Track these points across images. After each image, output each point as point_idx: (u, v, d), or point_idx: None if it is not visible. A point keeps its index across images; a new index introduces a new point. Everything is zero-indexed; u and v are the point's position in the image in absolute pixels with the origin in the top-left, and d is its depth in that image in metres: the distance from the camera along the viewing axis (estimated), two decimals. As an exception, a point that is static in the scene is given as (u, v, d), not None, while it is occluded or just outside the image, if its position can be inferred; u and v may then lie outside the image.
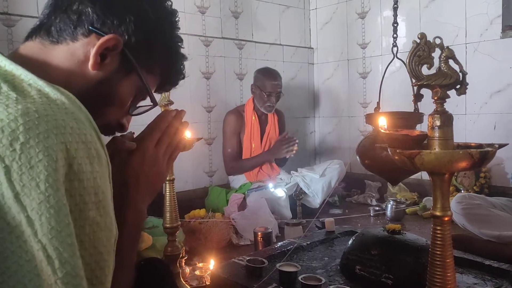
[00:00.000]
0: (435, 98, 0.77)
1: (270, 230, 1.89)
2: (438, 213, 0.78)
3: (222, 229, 2.09)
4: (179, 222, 1.38)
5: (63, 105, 0.53)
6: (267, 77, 2.70)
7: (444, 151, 0.73)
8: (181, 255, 1.66)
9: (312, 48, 3.58)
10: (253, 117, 2.77)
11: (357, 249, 1.42)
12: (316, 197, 2.72)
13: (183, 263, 1.65)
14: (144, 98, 0.73)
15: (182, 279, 1.44)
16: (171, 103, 1.34)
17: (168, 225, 1.36)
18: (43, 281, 0.45)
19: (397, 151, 0.75)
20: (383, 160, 1.32)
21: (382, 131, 0.81)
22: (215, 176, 2.91)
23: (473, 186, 2.53)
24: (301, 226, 2.02)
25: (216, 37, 2.89)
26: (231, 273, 1.43)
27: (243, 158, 2.77)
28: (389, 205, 2.50)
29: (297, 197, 2.35)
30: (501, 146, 0.76)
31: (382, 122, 0.84)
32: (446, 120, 0.77)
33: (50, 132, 0.48)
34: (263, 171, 2.81)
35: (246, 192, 2.50)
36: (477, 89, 2.58)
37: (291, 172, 2.81)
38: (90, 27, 0.61)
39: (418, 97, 0.78)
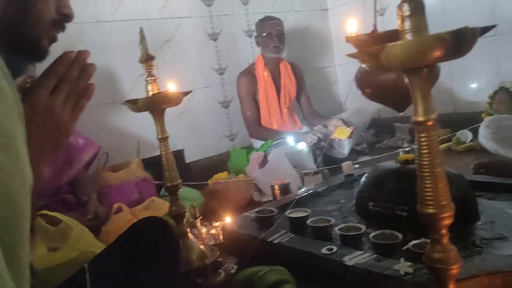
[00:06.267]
0: (401, -17, 0.66)
1: (287, 182, 1.82)
2: (420, 118, 0.67)
3: (241, 188, 2.04)
4: (180, 180, 1.33)
5: None
6: (264, 21, 2.66)
7: (411, 40, 0.62)
8: (195, 216, 1.64)
9: (324, -7, 3.38)
10: (265, 73, 2.67)
11: (370, 185, 1.33)
12: (343, 147, 2.62)
13: (198, 224, 1.63)
14: None
15: (193, 238, 1.41)
16: (152, 57, 1.27)
17: (169, 184, 1.32)
18: None
19: (360, 51, 0.65)
20: (383, 84, 1.20)
21: (349, 36, 0.71)
22: (236, 139, 2.86)
23: (510, 112, 2.32)
24: (320, 174, 1.94)
25: (218, -5, 2.77)
26: (241, 226, 1.39)
27: (261, 115, 2.70)
28: (419, 144, 2.35)
29: (315, 146, 2.25)
30: (485, 29, 0.64)
31: (351, 27, 0.73)
32: (416, 7, 0.65)
33: None
34: (285, 126, 2.73)
35: (267, 150, 2.44)
36: None
37: (314, 126, 2.71)
38: None
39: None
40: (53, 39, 0.67)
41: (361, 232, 1.12)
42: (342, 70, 3.44)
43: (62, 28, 0.68)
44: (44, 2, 0.62)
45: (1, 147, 0.46)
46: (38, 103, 0.62)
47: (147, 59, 1.27)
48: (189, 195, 1.98)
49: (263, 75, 2.67)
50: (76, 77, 0.66)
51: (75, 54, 0.67)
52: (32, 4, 0.60)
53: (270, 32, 2.61)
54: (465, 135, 2.46)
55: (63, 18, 0.67)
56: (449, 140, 2.52)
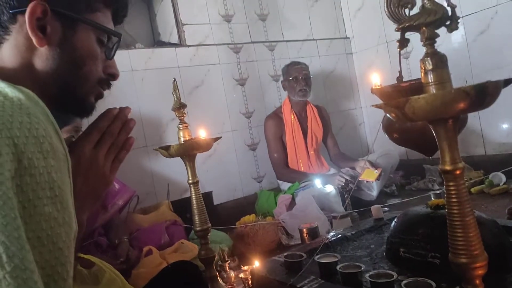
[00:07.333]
0: (423, 39, 0.69)
1: (315, 225, 1.81)
2: (447, 167, 0.68)
3: (269, 231, 2.04)
4: (209, 224, 1.36)
5: (18, 102, 0.52)
6: (290, 66, 2.74)
7: (434, 93, 0.64)
8: (223, 259, 1.64)
9: (348, 38, 3.46)
10: (292, 116, 2.72)
11: (400, 231, 1.31)
12: (372, 189, 2.60)
13: (227, 267, 1.63)
14: (110, 37, 0.70)
15: (222, 282, 1.41)
16: (184, 106, 1.34)
17: (198, 228, 1.34)
18: None
19: (385, 104, 0.67)
20: (410, 130, 1.22)
21: (374, 87, 0.74)
22: (264, 181, 2.88)
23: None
24: (349, 218, 1.92)
25: (246, 43, 2.89)
26: (269, 270, 1.38)
27: (289, 158, 2.73)
28: (450, 186, 2.30)
29: (343, 189, 2.24)
30: (509, 81, 0.65)
31: (375, 79, 0.76)
32: (439, 61, 0.67)
33: None
34: (312, 168, 2.74)
35: (294, 192, 2.44)
36: None
37: (341, 168, 2.71)
38: (11, 11, 0.59)
39: (403, 43, 0.70)
40: (99, 96, 0.73)
41: (392, 279, 1.09)
42: (368, 112, 3.46)
43: (108, 86, 0.73)
44: (93, 63, 0.67)
45: (51, 199, 0.50)
46: (83, 156, 0.67)
47: (180, 107, 1.33)
48: (217, 237, 1.99)
49: (290, 118, 2.72)
50: (117, 131, 0.72)
51: (117, 110, 0.72)
52: (82, 65, 0.66)
53: (296, 76, 2.68)
54: (498, 177, 2.39)
55: (109, 77, 0.72)
56: (481, 182, 2.46)
